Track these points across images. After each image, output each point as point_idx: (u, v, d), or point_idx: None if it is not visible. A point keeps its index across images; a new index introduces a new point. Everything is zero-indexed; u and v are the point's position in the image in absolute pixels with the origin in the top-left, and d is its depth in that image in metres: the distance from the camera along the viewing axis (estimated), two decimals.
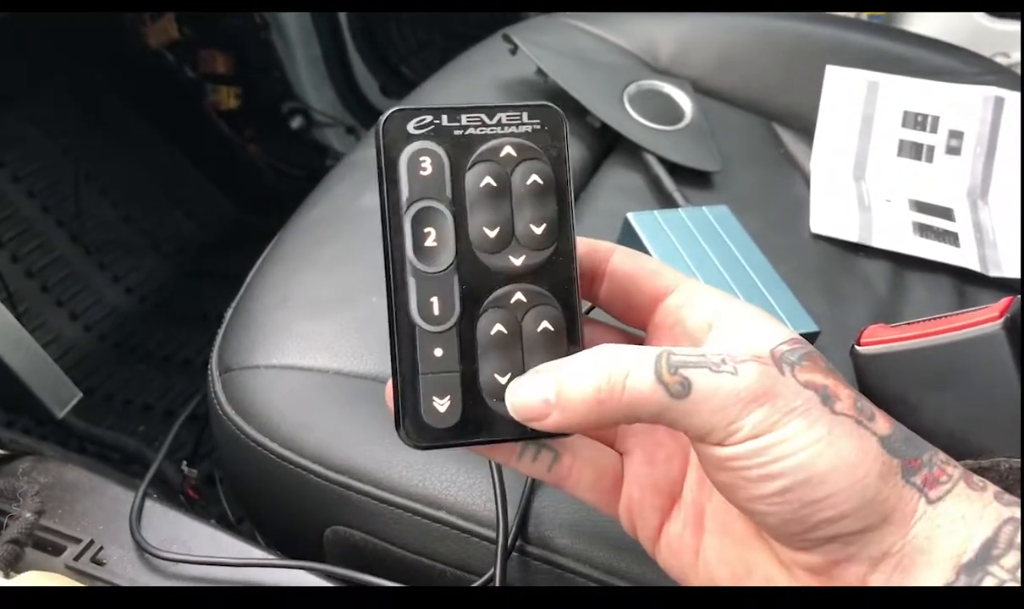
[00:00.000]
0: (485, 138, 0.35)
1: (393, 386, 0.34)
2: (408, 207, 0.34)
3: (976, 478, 0.34)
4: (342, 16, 1.41)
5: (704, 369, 0.32)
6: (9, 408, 0.87)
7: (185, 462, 0.73)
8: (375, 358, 0.58)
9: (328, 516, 0.53)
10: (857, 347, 0.41)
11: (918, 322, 0.40)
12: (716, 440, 0.32)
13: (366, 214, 0.68)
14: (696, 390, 0.32)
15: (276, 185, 1.43)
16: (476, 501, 0.49)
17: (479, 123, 0.35)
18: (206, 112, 1.37)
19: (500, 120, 0.35)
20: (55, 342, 1.17)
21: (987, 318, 0.38)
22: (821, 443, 0.32)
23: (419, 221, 0.34)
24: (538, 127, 0.36)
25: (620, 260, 0.38)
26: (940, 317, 0.40)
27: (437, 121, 0.35)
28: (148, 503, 0.52)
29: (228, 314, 0.64)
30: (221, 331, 0.63)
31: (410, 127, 0.35)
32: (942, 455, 0.34)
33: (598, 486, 0.38)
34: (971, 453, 0.38)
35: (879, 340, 0.40)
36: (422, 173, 0.34)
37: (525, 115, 0.35)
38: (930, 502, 0.33)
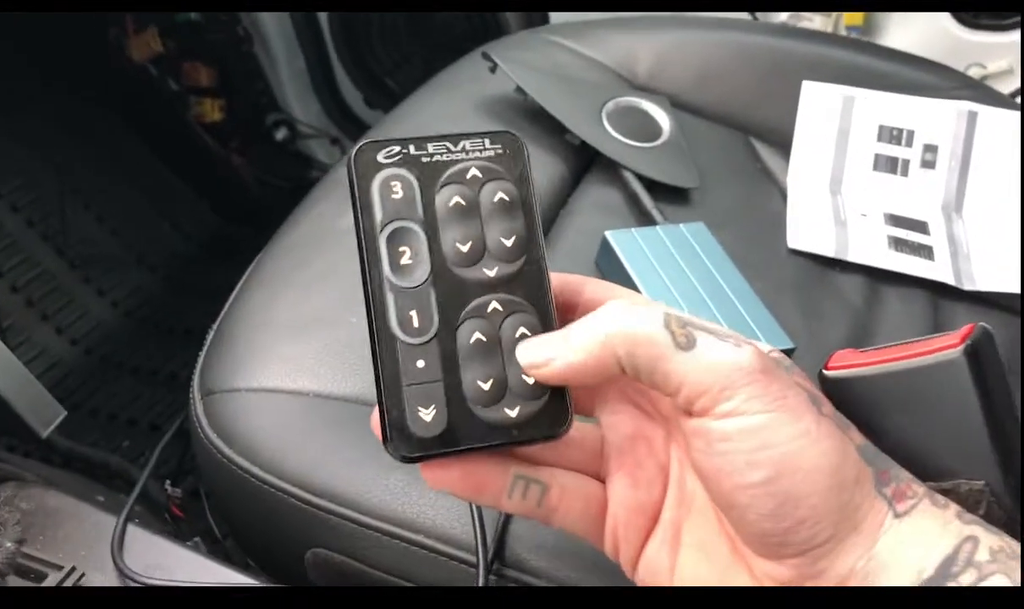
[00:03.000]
0: (451, 163, 0.37)
1: (379, 401, 0.35)
2: (383, 228, 0.36)
3: (939, 496, 0.35)
4: (325, 28, 1.42)
5: (710, 335, 0.34)
6: None
7: (169, 482, 0.73)
8: (356, 380, 0.58)
9: (309, 539, 0.54)
10: (824, 371, 0.42)
11: (886, 347, 0.41)
12: (705, 406, 0.33)
13: (347, 234, 0.68)
14: (700, 346, 0.33)
15: (261, 197, 1.43)
16: (454, 525, 0.50)
17: (444, 151, 0.37)
18: (190, 124, 1.37)
19: (464, 147, 0.37)
20: (40, 357, 1.17)
21: (948, 345, 0.39)
22: (807, 438, 0.33)
23: (393, 240, 0.36)
24: (500, 152, 0.38)
25: (593, 290, 0.39)
26: (907, 343, 0.41)
27: (405, 150, 0.37)
28: (131, 528, 0.53)
29: (209, 335, 0.65)
30: (203, 353, 0.63)
31: (380, 157, 0.37)
32: (906, 473, 0.35)
33: (586, 515, 0.39)
34: (932, 475, 0.39)
35: (845, 364, 0.41)
36: (394, 197, 0.36)
37: (487, 141, 0.38)
38: (897, 515, 0.34)
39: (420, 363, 0.35)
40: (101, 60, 1.31)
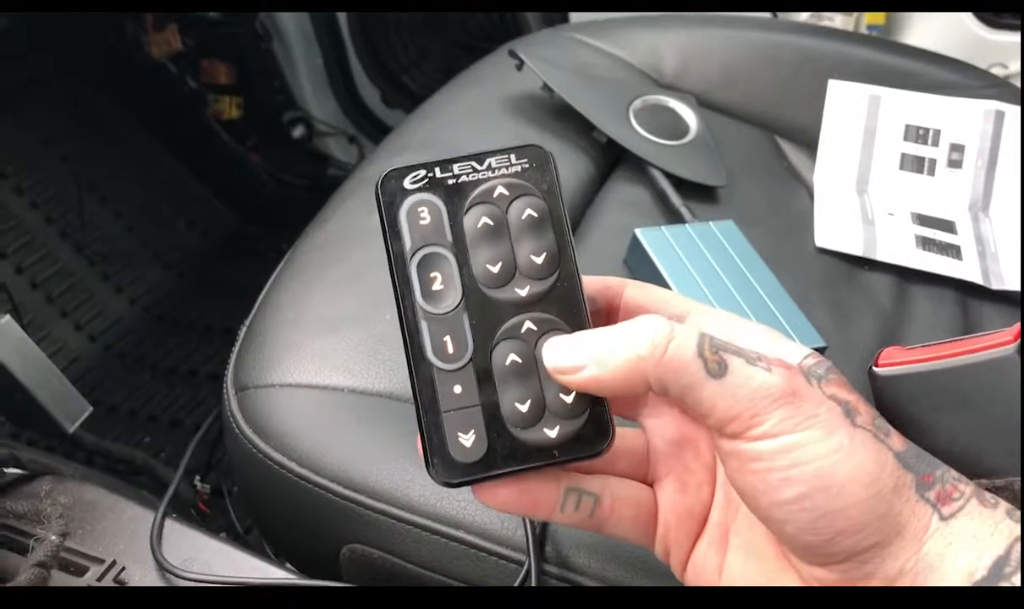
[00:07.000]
0: (477, 182, 0.37)
1: (419, 428, 0.35)
2: (412, 256, 0.36)
3: (988, 495, 0.35)
4: (343, 25, 1.42)
5: (741, 359, 0.34)
6: (19, 422, 0.87)
7: (198, 478, 0.73)
8: (390, 375, 0.58)
9: (345, 534, 0.54)
10: (875, 368, 0.42)
11: (934, 344, 0.41)
12: (736, 430, 0.33)
13: (376, 232, 0.68)
14: (731, 373, 0.33)
15: (277, 194, 1.43)
16: (495, 521, 0.50)
17: (470, 170, 0.37)
18: (208, 122, 1.38)
19: (490, 164, 0.37)
20: (60, 353, 1.18)
21: (1002, 342, 0.39)
22: (840, 452, 0.33)
23: (424, 267, 0.36)
24: (527, 166, 0.37)
25: (632, 293, 0.39)
26: (956, 340, 0.41)
27: (430, 174, 0.37)
28: (167, 522, 0.53)
29: (242, 332, 0.65)
30: (235, 349, 0.63)
31: (406, 183, 0.36)
32: (954, 472, 0.35)
33: (637, 522, 0.39)
34: (985, 473, 0.39)
35: (896, 361, 0.41)
36: (422, 223, 0.36)
37: (513, 157, 0.37)
38: (943, 519, 0.33)
39: (457, 389, 0.35)
40: (120, 58, 1.31)
